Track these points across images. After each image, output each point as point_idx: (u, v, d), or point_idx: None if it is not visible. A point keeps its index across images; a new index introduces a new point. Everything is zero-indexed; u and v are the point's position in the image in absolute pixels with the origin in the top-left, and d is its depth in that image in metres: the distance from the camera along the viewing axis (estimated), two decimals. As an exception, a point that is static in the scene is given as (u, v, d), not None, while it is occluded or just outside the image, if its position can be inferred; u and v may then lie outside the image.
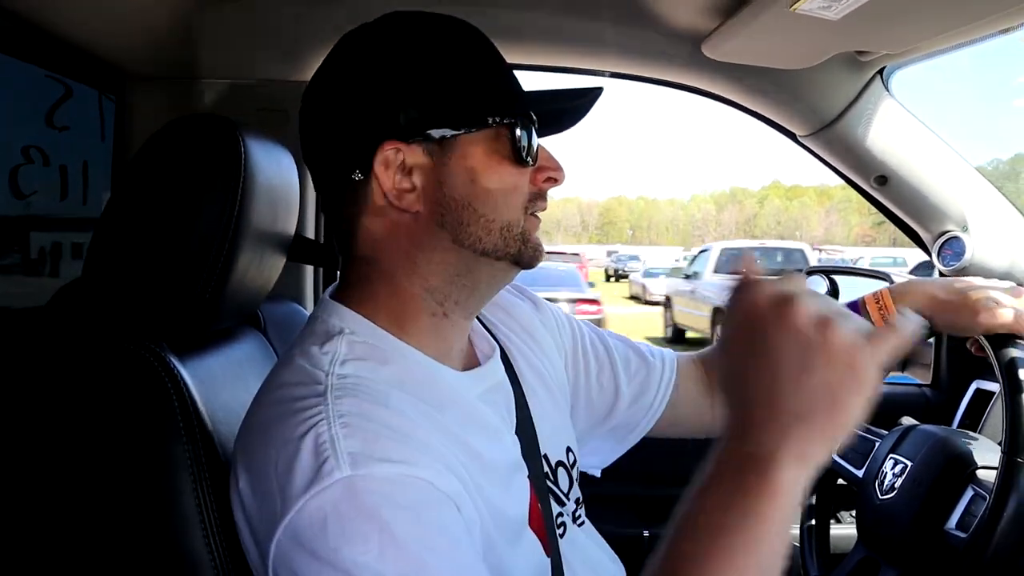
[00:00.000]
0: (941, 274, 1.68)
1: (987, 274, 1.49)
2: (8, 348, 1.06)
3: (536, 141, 0.87)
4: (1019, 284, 1.53)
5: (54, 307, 0.95)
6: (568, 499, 1.03)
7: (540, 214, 0.90)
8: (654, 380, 1.19)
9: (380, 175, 0.83)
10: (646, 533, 1.90)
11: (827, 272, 2.01)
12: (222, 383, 0.98)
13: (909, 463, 1.18)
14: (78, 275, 0.95)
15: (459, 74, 0.84)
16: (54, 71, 1.60)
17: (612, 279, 33.82)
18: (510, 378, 1.00)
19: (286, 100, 1.56)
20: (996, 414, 1.58)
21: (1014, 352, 1.07)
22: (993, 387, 1.65)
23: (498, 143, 0.84)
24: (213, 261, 0.90)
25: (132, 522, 0.83)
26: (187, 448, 0.84)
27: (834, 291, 1.97)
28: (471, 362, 0.96)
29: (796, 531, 1.38)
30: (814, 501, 1.38)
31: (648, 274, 22.29)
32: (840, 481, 1.36)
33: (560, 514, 0.99)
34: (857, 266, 2.13)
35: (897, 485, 1.17)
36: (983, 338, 1.11)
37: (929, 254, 1.68)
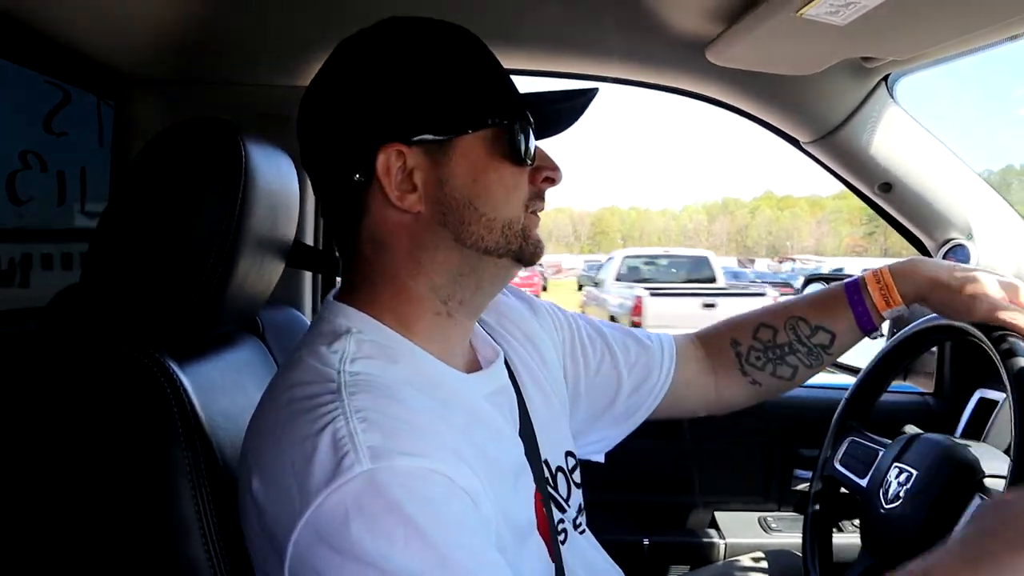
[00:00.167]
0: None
1: (991, 282, 1.49)
2: (6, 353, 1.04)
3: (533, 141, 0.88)
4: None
5: (52, 311, 0.93)
6: (568, 506, 1.03)
7: None
8: (655, 365, 1.19)
9: (382, 177, 0.83)
10: (646, 541, 1.89)
11: (827, 280, 2.01)
12: (221, 389, 0.97)
13: (915, 472, 1.17)
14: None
15: (458, 76, 0.86)
16: (53, 76, 1.58)
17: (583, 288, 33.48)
18: (511, 382, 1.00)
19: (287, 105, 1.55)
20: (1000, 423, 1.57)
21: (1009, 345, 1.05)
22: (996, 396, 1.64)
23: (497, 143, 0.86)
24: (213, 266, 0.90)
25: (131, 528, 0.82)
26: (186, 454, 0.83)
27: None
28: (473, 365, 0.97)
29: (799, 540, 1.37)
30: (817, 508, 1.36)
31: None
32: (843, 491, 1.35)
33: (561, 520, 1.00)
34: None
35: (902, 494, 1.16)
36: (984, 339, 1.09)
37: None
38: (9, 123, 1.53)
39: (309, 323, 1.47)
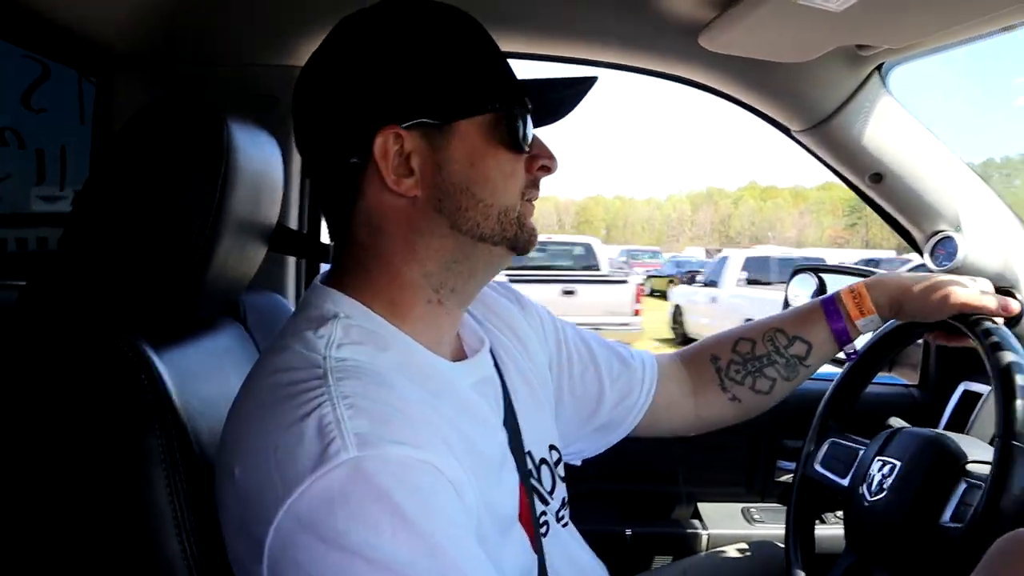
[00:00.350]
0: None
1: (979, 274, 1.49)
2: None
3: (531, 129, 0.88)
4: (1011, 285, 1.55)
5: (25, 295, 0.91)
6: (552, 498, 1.03)
7: None
8: (636, 382, 1.21)
9: (379, 160, 0.82)
10: (629, 532, 1.89)
11: (816, 270, 2.01)
12: (200, 375, 0.96)
13: (898, 463, 1.17)
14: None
15: (458, 60, 0.85)
16: (31, 50, 1.55)
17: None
18: (496, 372, 1.00)
19: (273, 85, 1.53)
20: (984, 416, 1.58)
21: (988, 325, 1.11)
22: (980, 388, 1.65)
23: (496, 129, 0.85)
24: (192, 248, 0.88)
25: (104, 518, 0.80)
26: (161, 442, 0.81)
27: (821, 288, 1.97)
28: (459, 354, 0.96)
29: (783, 531, 1.37)
30: (800, 501, 1.36)
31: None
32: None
33: (543, 512, 1.00)
34: (847, 266, 2.13)
35: (887, 485, 1.16)
36: (955, 322, 1.15)
37: (922, 254, 1.67)
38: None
39: (293, 308, 1.45)
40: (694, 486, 1.98)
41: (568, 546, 1.05)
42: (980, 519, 0.98)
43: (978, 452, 1.13)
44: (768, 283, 12.44)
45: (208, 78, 1.53)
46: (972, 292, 1.15)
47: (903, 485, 1.14)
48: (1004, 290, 1.54)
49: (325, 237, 1.70)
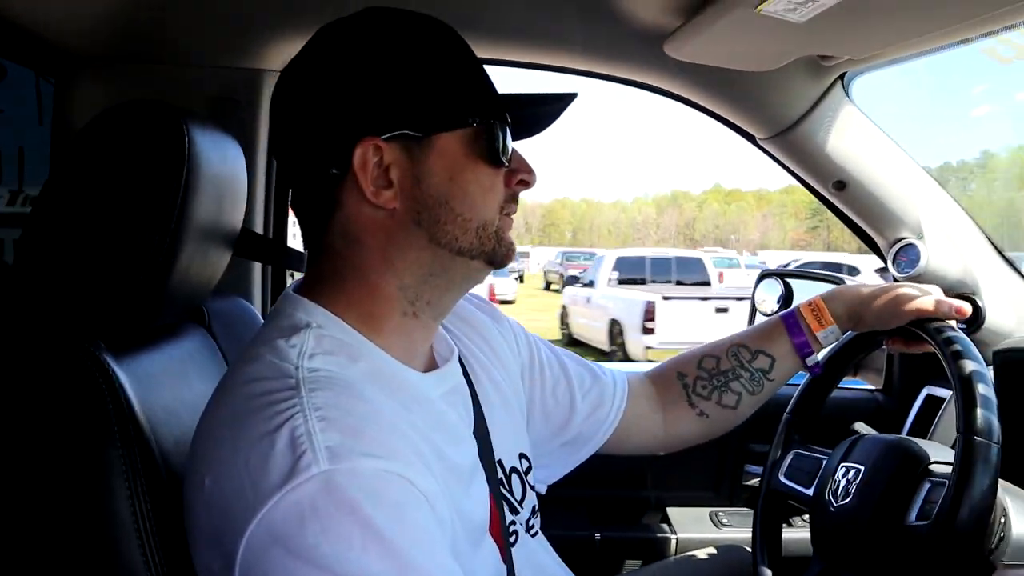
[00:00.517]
0: (895, 280, 1.69)
1: (941, 281, 1.51)
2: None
3: (511, 143, 0.88)
4: (972, 291, 1.58)
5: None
6: (522, 507, 1.03)
7: None
8: (607, 395, 1.22)
9: (358, 171, 0.82)
10: (598, 536, 1.89)
11: (782, 276, 2.03)
12: (163, 382, 0.94)
13: (862, 467, 1.18)
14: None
15: (440, 74, 0.84)
16: (-13, 50, 1.52)
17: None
18: (466, 381, 1.00)
19: (234, 88, 1.51)
20: (946, 420, 1.60)
21: (950, 333, 1.12)
22: (943, 393, 1.67)
23: (476, 143, 0.85)
24: (155, 253, 0.86)
25: (65, 530, 0.79)
26: (121, 452, 0.80)
27: (788, 294, 1.98)
28: (430, 364, 0.96)
29: (750, 535, 1.38)
30: (766, 506, 1.37)
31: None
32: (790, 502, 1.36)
33: (513, 522, 1.00)
34: (813, 271, 2.15)
35: (852, 490, 1.17)
36: (917, 329, 1.17)
37: (885, 261, 1.69)
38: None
39: (258, 313, 1.43)
40: (662, 491, 1.99)
41: (536, 555, 1.04)
42: (946, 513, 1.00)
43: (940, 454, 1.15)
44: (642, 281, 12.60)
45: (169, 80, 1.51)
46: (926, 299, 1.17)
47: (868, 489, 1.15)
48: (965, 296, 1.57)
49: (291, 242, 1.69)
